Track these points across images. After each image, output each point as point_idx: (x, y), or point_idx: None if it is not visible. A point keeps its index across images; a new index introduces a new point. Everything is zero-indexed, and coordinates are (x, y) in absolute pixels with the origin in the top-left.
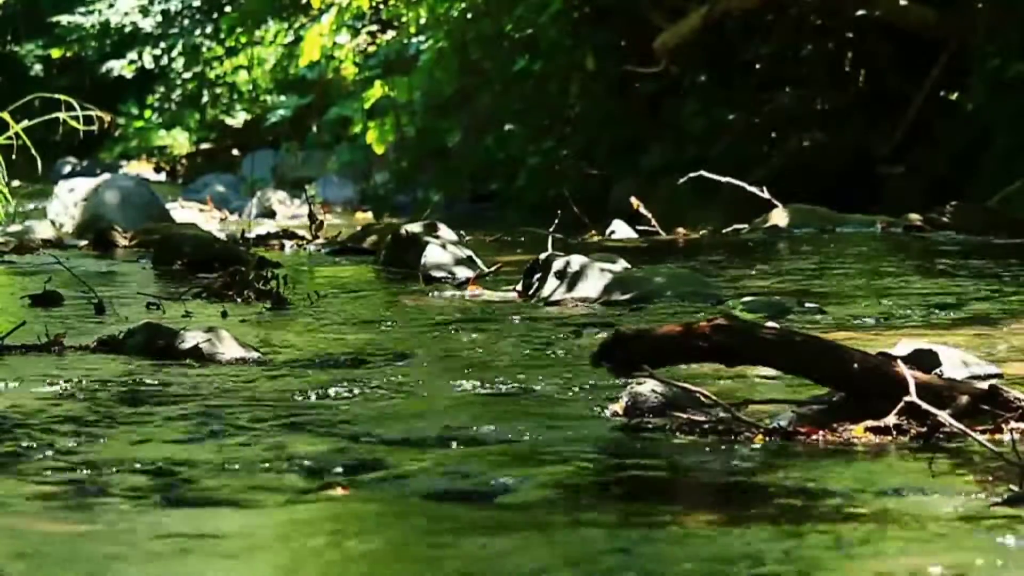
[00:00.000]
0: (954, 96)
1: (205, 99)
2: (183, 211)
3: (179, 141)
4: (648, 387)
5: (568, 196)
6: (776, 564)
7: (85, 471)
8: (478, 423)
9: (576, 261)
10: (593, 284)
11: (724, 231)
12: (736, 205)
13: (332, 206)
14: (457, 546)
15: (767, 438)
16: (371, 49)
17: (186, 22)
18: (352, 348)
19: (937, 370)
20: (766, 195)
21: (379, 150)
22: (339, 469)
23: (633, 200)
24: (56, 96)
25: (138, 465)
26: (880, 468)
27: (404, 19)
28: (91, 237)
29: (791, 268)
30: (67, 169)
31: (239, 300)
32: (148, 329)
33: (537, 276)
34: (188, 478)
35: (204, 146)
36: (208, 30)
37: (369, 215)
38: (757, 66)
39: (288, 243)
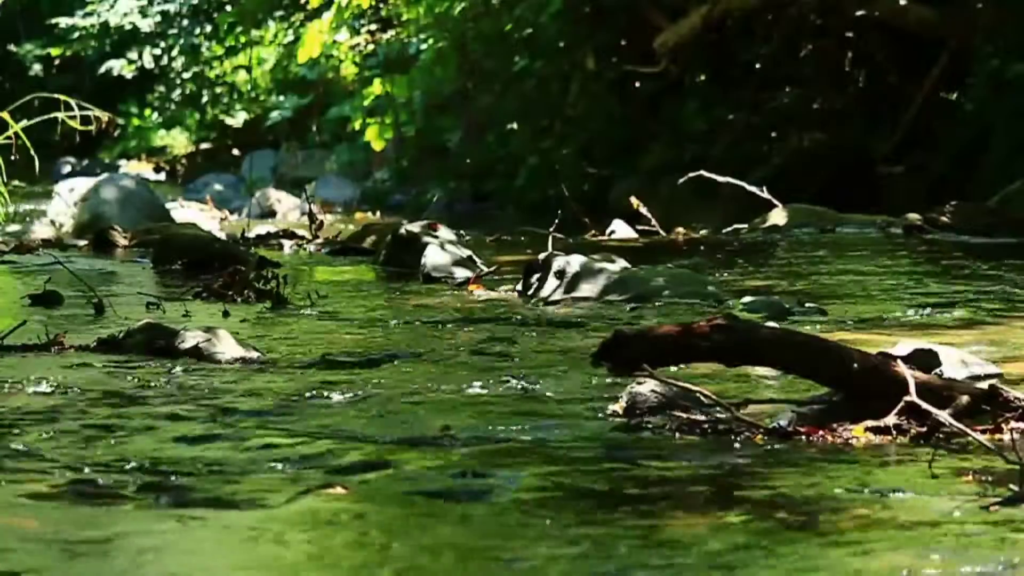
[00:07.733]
0: (954, 96)
1: (205, 99)
2: (183, 211)
3: (179, 141)
4: (648, 387)
5: (568, 196)
6: (776, 564)
7: (84, 471)
8: (478, 423)
9: (576, 261)
10: (593, 284)
11: (724, 231)
12: (736, 205)
13: (332, 206)
14: (456, 546)
15: (767, 438)
16: (370, 48)
17: (185, 22)
18: (352, 348)
19: (937, 370)
20: (766, 195)
21: (378, 147)
22: (339, 469)
23: (633, 200)
24: (56, 96)
25: (137, 465)
26: (880, 468)
27: (404, 18)
28: (91, 237)
29: (791, 268)
30: (67, 169)
31: (239, 300)
32: (148, 329)
33: (537, 276)
34: (187, 478)
35: (204, 146)
36: (207, 30)
37: (369, 215)
38: (757, 66)
39: (288, 243)
